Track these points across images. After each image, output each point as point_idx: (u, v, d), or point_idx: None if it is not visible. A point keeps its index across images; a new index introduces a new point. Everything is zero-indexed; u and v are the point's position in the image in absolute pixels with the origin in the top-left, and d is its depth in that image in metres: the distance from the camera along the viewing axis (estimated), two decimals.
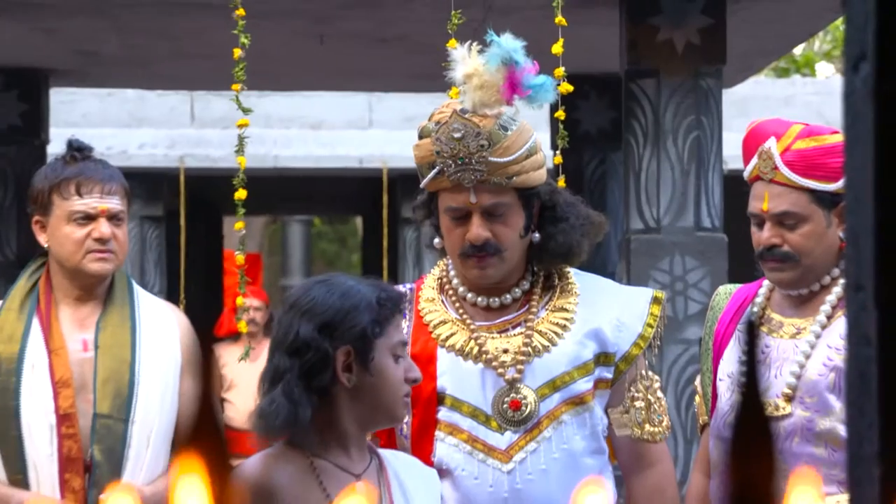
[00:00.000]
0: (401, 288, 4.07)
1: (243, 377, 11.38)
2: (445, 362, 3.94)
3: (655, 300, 4.09)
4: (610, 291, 4.15)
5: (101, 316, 4.62)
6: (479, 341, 3.91)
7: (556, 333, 3.95)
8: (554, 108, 7.28)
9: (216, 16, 7.18)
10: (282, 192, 15.23)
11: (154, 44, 8.90)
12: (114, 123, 12.99)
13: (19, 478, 4.50)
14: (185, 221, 13.23)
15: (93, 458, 4.51)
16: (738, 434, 0.97)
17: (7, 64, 8.95)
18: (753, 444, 0.97)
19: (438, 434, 3.85)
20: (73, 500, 4.47)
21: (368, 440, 3.56)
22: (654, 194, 7.45)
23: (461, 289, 4.03)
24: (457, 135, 3.83)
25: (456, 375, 3.94)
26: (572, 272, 4.08)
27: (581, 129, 8.74)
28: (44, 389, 4.52)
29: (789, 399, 3.93)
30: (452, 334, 3.97)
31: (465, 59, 3.85)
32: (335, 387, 3.35)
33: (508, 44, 3.87)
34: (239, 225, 6.85)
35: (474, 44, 3.89)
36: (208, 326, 0.95)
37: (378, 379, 3.37)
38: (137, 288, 4.77)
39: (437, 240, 4.01)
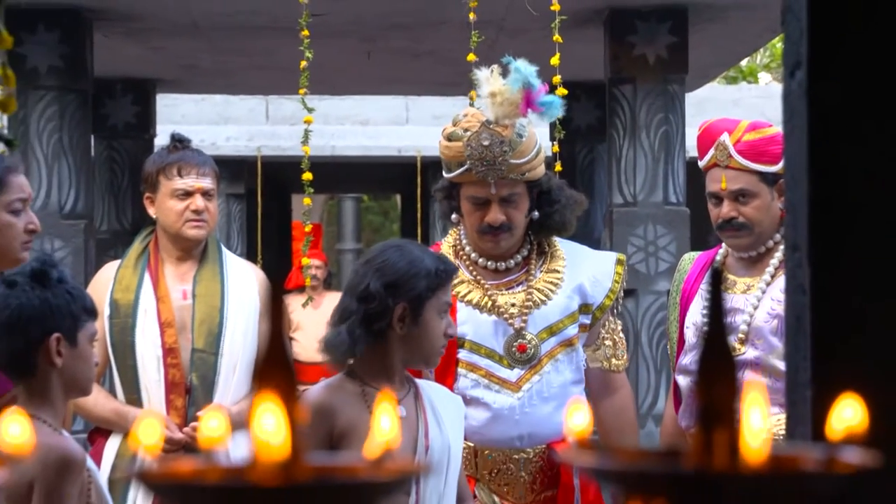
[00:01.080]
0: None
1: (307, 321, 11.37)
2: (464, 314, 3.97)
3: (619, 262, 4.17)
4: (586, 255, 4.19)
5: (197, 271, 4.63)
6: (491, 297, 3.95)
7: (550, 290, 3.99)
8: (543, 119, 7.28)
9: (286, 36, 7.16)
10: (338, 175, 15.19)
11: (237, 59, 8.89)
12: (206, 121, 12.99)
13: (134, 398, 4.52)
14: (262, 198, 13.23)
15: (191, 384, 4.53)
16: (705, 362, 0.96)
17: (125, 75, 8.96)
18: (718, 371, 0.95)
19: (460, 371, 3.86)
20: (176, 417, 4.49)
21: None
22: (631, 176, 7.44)
23: (473, 254, 4.06)
24: (485, 143, 3.88)
25: (474, 325, 3.98)
26: (558, 240, 4.13)
27: (573, 125, 8.69)
28: (153, 329, 4.53)
29: (742, 342, 3.95)
30: (469, 291, 4.01)
31: (488, 80, 3.92)
32: (389, 332, 3.37)
33: (526, 69, 3.95)
34: (306, 201, 6.84)
35: (496, 67, 3.95)
36: (280, 281, 0.95)
37: (423, 331, 3.39)
38: (225, 250, 4.79)
39: (454, 216, 4.03)
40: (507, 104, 3.90)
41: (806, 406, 2.05)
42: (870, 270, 2.04)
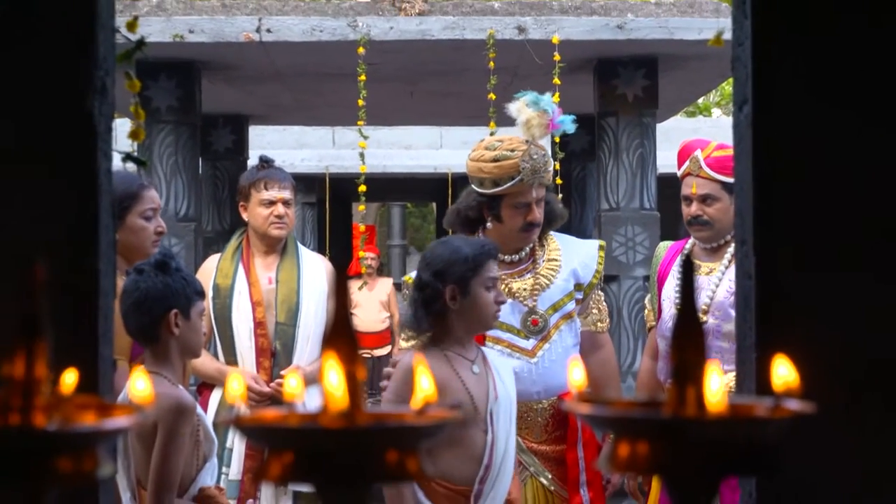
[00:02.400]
0: None
1: (363, 300, 11.41)
2: None
3: (601, 247, 4.13)
4: (575, 244, 4.15)
5: (279, 262, 4.63)
6: (507, 284, 3.90)
7: (552, 275, 3.95)
8: (553, 135, 7.23)
9: (348, 81, 7.18)
10: (387, 187, 15.22)
11: (310, 98, 8.91)
12: (286, 146, 13.01)
13: (232, 360, 4.53)
14: (328, 206, 13.25)
15: (275, 349, 4.53)
16: (678, 331, 0.94)
17: (225, 112, 8.98)
18: (689, 338, 0.93)
19: (487, 343, 3.80)
20: (264, 375, 4.49)
21: None
22: (614, 188, 7.41)
23: None
24: (535, 157, 3.85)
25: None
26: (552, 234, 4.08)
27: (570, 149, 8.67)
28: (246, 307, 4.54)
29: (705, 312, 3.93)
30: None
31: (521, 111, 3.93)
32: (447, 310, 3.35)
33: (545, 100, 3.98)
34: (361, 208, 6.84)
35: (522, 100, 3.95)
36: (343, 269, 0.93)
37: (474, 304, 3.35)
38: (301, 246, 4.79)
39: (489, 223, 3.93)
40: (541, 126, 3.92)
41: (752, 366, 2.03)
42: (800, 259, 2.02)
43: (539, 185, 3.88)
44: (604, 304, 4.18)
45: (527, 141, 3.91)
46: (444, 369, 3.31)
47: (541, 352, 3.87)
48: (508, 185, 3.86)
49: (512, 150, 3.87)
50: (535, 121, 3.91)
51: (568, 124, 4.01)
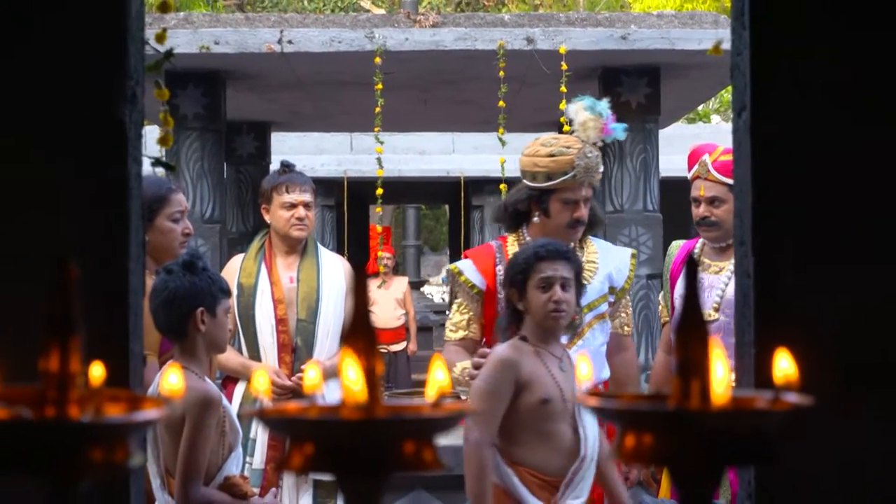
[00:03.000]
0: (491, 243, 4.02)
1: (380, 298, 11.40)
2: None
3: (633, 256, 4.08)
4: (611, 250, 4.10)
5: (300, 262, 4.63)
6: None
7: (589, 276, 3.88)
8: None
9: (365, 89, 7.18)
10: (402, 190, 15.20)
11: (330, 105, 8.91)
12: (306, 152, 13.02)
13: (255, 355, 4.52)
14: (347, 208, 13.26)
15: (296, 345, 4.52)
16: (682, 328, 0.94)
17: (249, 119, 8.99)
18: (693, 335, 0.93)
19: None
20: (285, 369, 4.49)
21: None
22: (619, 191, 7.40)
23: None
24: (590, 155, 3.84)
25: None
26: (590, 238, 4.04)
27: None
28: (268, 305, 4.53)
29: (717, 310, 3.89)
30: None
31: (578, 112, 3.91)
32: (523, 311, 3.33)
33: (602, 105, 3.93)
34: (378, 210, 6.84)
35: (580, 103, 3.93)
36: (363, 268, 0.93)
37: (530, 305, 3.30)
38: (320, 246, 4.78)
39: (536, 217, 3.89)
40: (595, 129, 3.88)
41: (750, 361, 2.03)
42: (797, 259, 2.02)
43: (588, 184, 3.85)
44: (630, 309, 4.15)
45: (584, 141, 3.89)
46: (535, 365, 3.27)
47: (574, 347, 3.84)
48: (561, 179, 3.82)
49: (568, 147, 3.85)
50: (590, 123, 3.89)
51: (619, 132, 3.97)
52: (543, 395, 3.22)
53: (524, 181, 3.92)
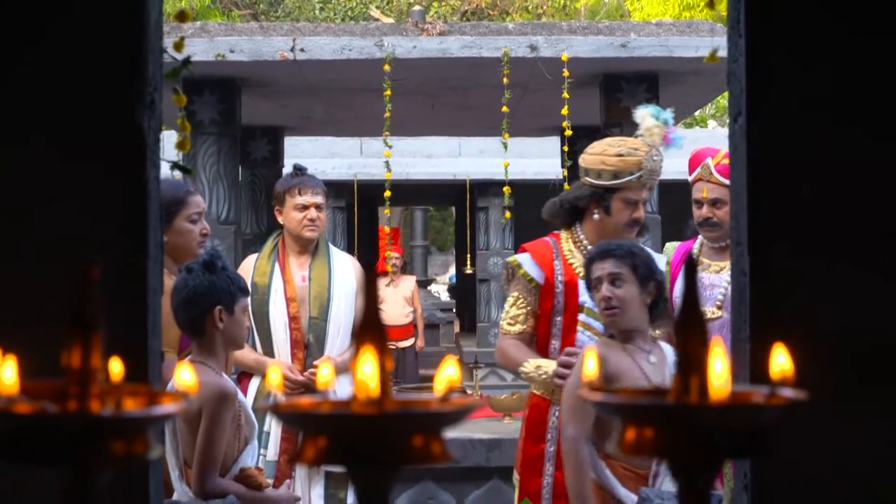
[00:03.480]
0: (546, 239, 3.97)
1: (388, 296, 11.40)
2: (582, 288, 3.78)
3: (668, 263, 4.03)
4: (654, 254, 4.07)
5: (311, 262, 4.63)
6: None
7: None
8: (563, 145, 7.22)
9: (374, 95, 7.18)
10: (410, 192, 15.21)
11: (340, 111, 8.91)
12: (318, 155, 13.02)
13: (269, 351, 4.52)
14: (357, 210, 13.26)
15: (308, 342, 4.52)
16: (681, 326, 0.93)
17: (262, 124, 8.99)
18: (692, 332, 0.93)
19: (580, 328, 3.75)
20: (298, 365, 4.49)
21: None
22: None
23: (590, 246, 3.85)
24: (656, 158, 3.84)
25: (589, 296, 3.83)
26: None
27: (577, 157, 8.63)
28: (281, 303, 4.53)
29: (720, 307, 3.86)
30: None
31: (645, 118, 3.91)
32: None
33: (667, 114, 3.94)
34: (387, 211, 6.84)
35: (647, 111, 3.92)
36: (372, 267, 0.93)
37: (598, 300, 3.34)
38: (332, 246, 4.78)
39: (595, 216, 3.86)
40: (659, 136, 3.88)
41: (746, 356, 2.02)
42: (791, 258, 2.02)
43: (648, 187, 3.85)
44: None
45: (648, 145, 3.88)
46: (622, 359, 3.26)
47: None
48: (627, 178, 3.81)
49: (636, 149, 3.84)
50: (655, 130, 3.89)
51: (679, 141, 3.97)
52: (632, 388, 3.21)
53: (586, 179, 3.88)
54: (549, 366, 3.68)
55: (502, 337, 3.90)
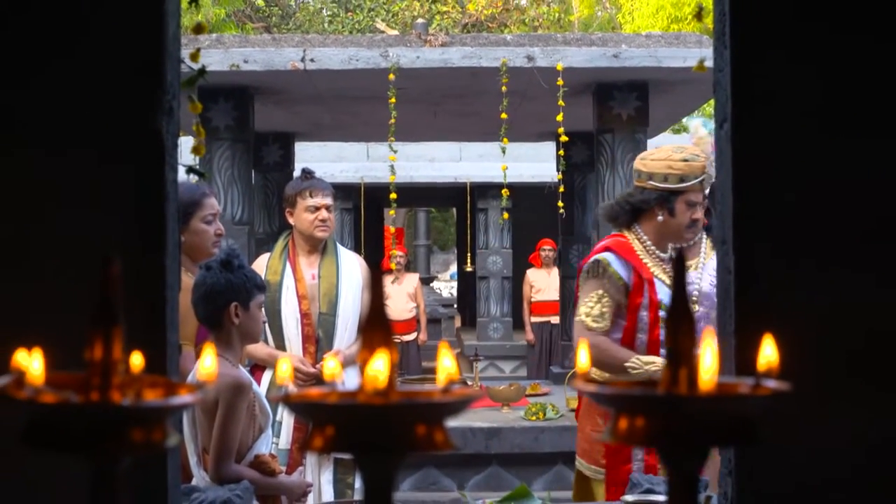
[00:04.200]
0: (619, 238, 3.90)
1: (392, 293, 11.39)
2: (659, 286, 3.78)
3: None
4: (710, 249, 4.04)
5: (321, 260, 4.63)
6: (669, 275, 3.77)
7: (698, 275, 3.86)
8: (558, 149, 7.22)
9: (380, 103, 7.18)
10: (414, 194, 15.21)
11: (347, 117, 8.91)
12: (327, 160, 13.02)
13: (281, 345, 4.53)
14: (364, 211, 13.26)
15: (318, 336, 4.53)
16: (671, 319, 0.93)
17: (275, 130, 8.98)
18: (681, 325, 0.92)
19: (661, 325, 3.71)
20: (309, 359, 4.49)
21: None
22: (611, 195, 7.35)
23: (652, 246, 3.85)
24: (713, 163, 3.80)
25: (666, 293, 3.75)
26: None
27: (572, 161, 8.63)
28: (292, 300, 4.53)
29: (695, 303, 3.81)
30: (660, 271, 3.82)
31: (697, 129, 3.92)
32: None
33: (712, 124, 3.96)
34: (392, 212, 6.83)
35: (698, 121, 3.92)
36: (378, 265, 0.93)
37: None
38: (340, 246, 4.79)
39: (660, 217, 3.83)
40: (710, 144, 3.89)
41: (731, 350, 2.02)
42: (774, 257, 2.02)
43: (705, 191, 3.84)
44: None
45: (703, 151, 3.89)
46: None
47: None
48: (693, 181, 3.79)
49: (697, 155, 3.83)
50: (706, 139, 3.91)
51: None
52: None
53: (650, 182, 3.82)
54: (656, 361, 3.64)
55: (589, 334, 3.75)
